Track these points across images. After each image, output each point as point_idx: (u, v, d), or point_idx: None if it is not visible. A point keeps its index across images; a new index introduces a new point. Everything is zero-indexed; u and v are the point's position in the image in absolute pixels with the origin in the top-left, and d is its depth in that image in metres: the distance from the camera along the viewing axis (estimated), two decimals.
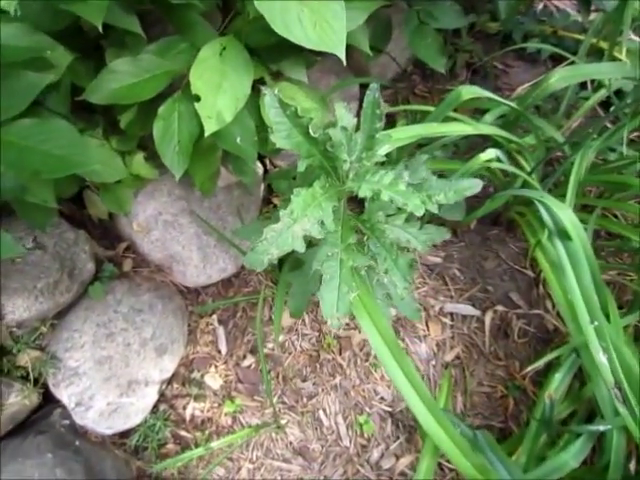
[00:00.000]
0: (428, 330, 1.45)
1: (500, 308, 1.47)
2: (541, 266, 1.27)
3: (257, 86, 1.05)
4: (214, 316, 1.42)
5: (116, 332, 1.24)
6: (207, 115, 0.91)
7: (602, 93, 1.54)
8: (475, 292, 1.50)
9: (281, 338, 1.41)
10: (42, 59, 0.83)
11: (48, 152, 0.81)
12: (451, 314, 1.47)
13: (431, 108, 1.19)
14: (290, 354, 1.40)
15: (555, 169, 1.63)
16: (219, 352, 1.39)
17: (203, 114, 0.91)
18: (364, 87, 1.58)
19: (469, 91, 1.04)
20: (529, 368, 1.26)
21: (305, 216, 0.79)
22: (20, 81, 0.78)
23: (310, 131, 0.82)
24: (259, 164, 1.41)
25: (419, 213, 0.78)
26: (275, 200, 1.52)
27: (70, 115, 1.00)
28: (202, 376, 1.36)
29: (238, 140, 0.99)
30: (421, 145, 1.47)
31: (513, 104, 1.16)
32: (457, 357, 1.43)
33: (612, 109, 1.64)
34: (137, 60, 0.96)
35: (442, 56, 1.26)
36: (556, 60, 1.73)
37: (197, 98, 0.91)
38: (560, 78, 1.14)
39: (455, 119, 1.16)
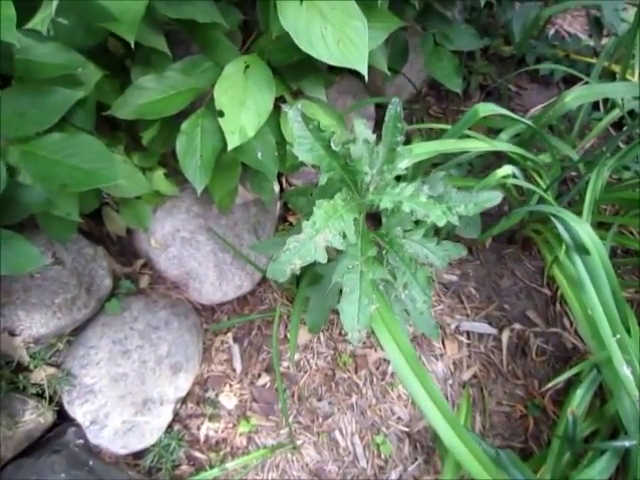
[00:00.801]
0: (445, 349, 1.45)
1: (517, 326, 1.47)
2: (558, 283, 1.28)
3: (278, 104, 1.08)
4: (229, 334, 1.42)
5: (132, 349, 1.25)
6: (230, 130, 0.93)
7: (614, 114, 1.57)
8: (491, 310, 1.50)
9: (296, 356, 1.41)
10: (72, 76, 0.87)
11: (75, 166, 0.84)
12: (467, 333, 1.47)
13: (446, 126, 1.22)
14: (306, 373, 1.40)
15: (569, 188, 1.65)
16: (234, 371, 1.39)
17: (227, 129, 0.93)
18: (379, 107, 1.62)
19: (486, 109, 1.07)
20: (549, 384, 1.25)
21: (327, 227, 0.80)
22: (51, 97, 0.81)
23: (332, 145, 0.84)
24: (275, 182, 1.44)
25: (441, 223, 0.80)
26: (291, 218, 1.54)
27: (94, 132, 1.04)
28: (217, 395, 1.36)
29: (259, 155, 1.02)
30: (436, 165, 1.50)
31: (529, 122, 1.18)
32: (474, 376, 1.42)
33: (625, 128, 1.67)
34: (163, 77, 0.99)
35: (458, 77, 1.30)
36: (568, 82, 1.77)
37: (221, 114, 0.94)
38: (575, 97, 1.17)
39: (471, 137, 1.18)
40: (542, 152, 1.45)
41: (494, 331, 1.47)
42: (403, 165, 0.88)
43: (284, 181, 1.51)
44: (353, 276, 0.90)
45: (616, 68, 1.61)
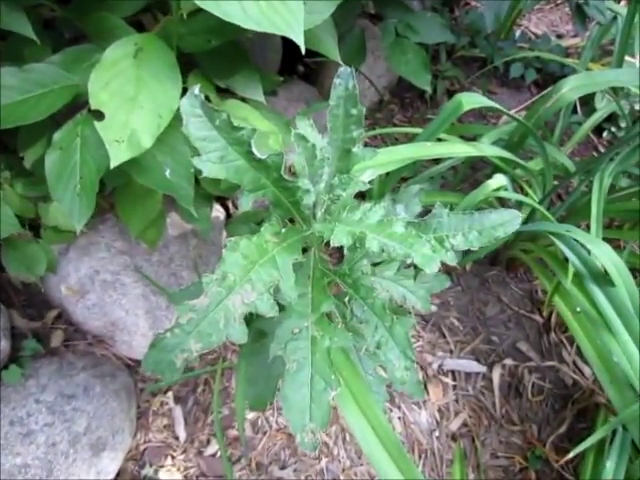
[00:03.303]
0: (427, 394, 1.08)
1: (509, 362, 1.11)
2: (562, 316, 0.92)
3: None
4: (170, 393, 1.02)
5: (37, 430, 0.85)
6: (114, 139, 0.56)
7: (596, 118, 1.24)
8: (478, 344, 1.14)
9: (253, 415, 1.02)
10: None
11: None
12: (452, 372, 1.10)
13: (417, 129, 0.86)
14: (265, 434, 1.01)
15: (552, 200, 1.30)
16: (177, 439, 0.99)
17: (109, 137, 0.56)
18: None
19: (470, 100, 0.71)
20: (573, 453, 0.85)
21: (248, 281, 0.43)
22: None
23: (253, 149, 0.47)
24: (219, 207, 1.06)
25: (430, 269, 0.43)
26: None
27: None
28: (156, 471, 0.96)
29: (167, 173, 0.64)
30: (404, 179, 1.15)
31: (521, 119, 0.84)
32: (464, 424, 1.05)
33: (619, 134, 1.35)
34: (25, 71, 0.61)
35: (426, 72, 0.94)
36: (540, 86, 1.44)
37: (99, 115, 0.56)
38: (574, 87, 0.82)
39: (451, 141, 0.83)
40: (528, 160, 1.11)
41: (483, 369, 1.10)
42: (366, 176, 0.51)
43: (230, 205, 1.13)
44: (301, 345, 0.53)
45: (593, 66, 1.29)
